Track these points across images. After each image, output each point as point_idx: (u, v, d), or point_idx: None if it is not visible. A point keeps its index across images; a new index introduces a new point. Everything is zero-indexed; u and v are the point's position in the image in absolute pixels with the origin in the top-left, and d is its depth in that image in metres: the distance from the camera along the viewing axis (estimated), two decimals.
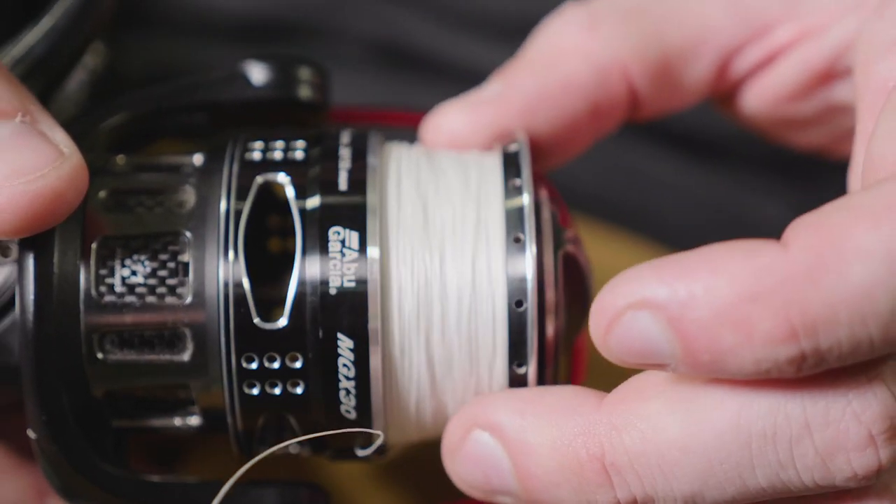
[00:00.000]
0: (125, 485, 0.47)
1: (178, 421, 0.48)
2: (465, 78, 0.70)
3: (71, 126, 0.47)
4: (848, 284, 0.40)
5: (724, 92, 0.53)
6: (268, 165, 0.47)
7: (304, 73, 0.50)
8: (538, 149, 0.51)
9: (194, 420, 0.48)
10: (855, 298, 0.40)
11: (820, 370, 0.41)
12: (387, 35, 0.70)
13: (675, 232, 0.69)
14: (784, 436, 0.42)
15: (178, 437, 0.49)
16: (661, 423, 0.43)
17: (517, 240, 0.46)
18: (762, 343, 0.40)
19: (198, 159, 0.48)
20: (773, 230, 0.71)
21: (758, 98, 0.52)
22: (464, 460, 0.46)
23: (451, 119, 0.51)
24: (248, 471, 0.49)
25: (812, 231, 0.41)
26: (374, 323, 0.45)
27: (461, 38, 0.70)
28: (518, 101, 0.50)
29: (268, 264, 0.51)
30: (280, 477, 0.48)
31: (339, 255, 0.45)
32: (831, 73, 0.51)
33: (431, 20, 0.70)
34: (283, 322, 0.45)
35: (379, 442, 0.47)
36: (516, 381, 0.46)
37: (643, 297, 0.41)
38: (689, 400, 0.43)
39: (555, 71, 0.50)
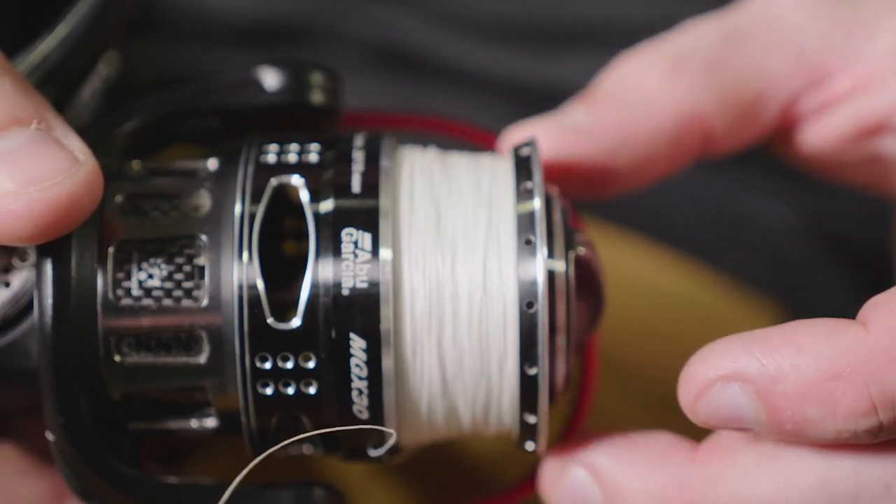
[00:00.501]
0: (142, 486, 0.47)
1: (194, 423, 0.48)
2: (466, 81, 0.71)
3: (86, 132, 0.47)
4: None
5: (782, 134, 0.55)
6: (282, 168, 0.47)
7: (317, 77, 0.51)
8: (610, 179, 0.53)
9: (210, 422, 0.48)
10: None
11: (892, 437, 0.45)
12: (389, 39, 0.71)
13: (678, 231, 0.70)
14: (867, 495, 0.45)
15: (194, 438, 0.49)
16: (752, 478, 0.46)
17: (528, 242, 0.46)
18: (843, 417, 0.44)
19: (213, 164, 0.49)
20: (774, 230, 0.72)
21: (811, 141, 0.54)
22: (562, 493, 0.49)
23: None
24: (263, 473, 0.50)
25: (890, 314, 0.45)
26: (386, 323, 0.45)
27: (462, 42, 0.70)
28: (606, 138, 0.52)
29: (283, 267, 0.51)
30: (293, 479, 0.48)
31: (351, 257, 0.46)
32: (882, 127, 0.53)
33: (433, 24, 0.70)
34: (296, 322, 0.45)
35: (392, 441, 0.47)
36: (527, 383, 0.46)
37: (734, 371, 0.45)
38: (776, 457, 0.46)
39: (642, 114, 0.52)
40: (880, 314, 0.45)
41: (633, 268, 0.68)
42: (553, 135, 0.52)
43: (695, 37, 0.54)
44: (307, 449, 0.49)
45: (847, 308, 0.71)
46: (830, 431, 0.45)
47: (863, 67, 0.53)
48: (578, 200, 0.53)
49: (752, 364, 0.45)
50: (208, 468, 0.56)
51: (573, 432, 0.54)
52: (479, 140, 0.54)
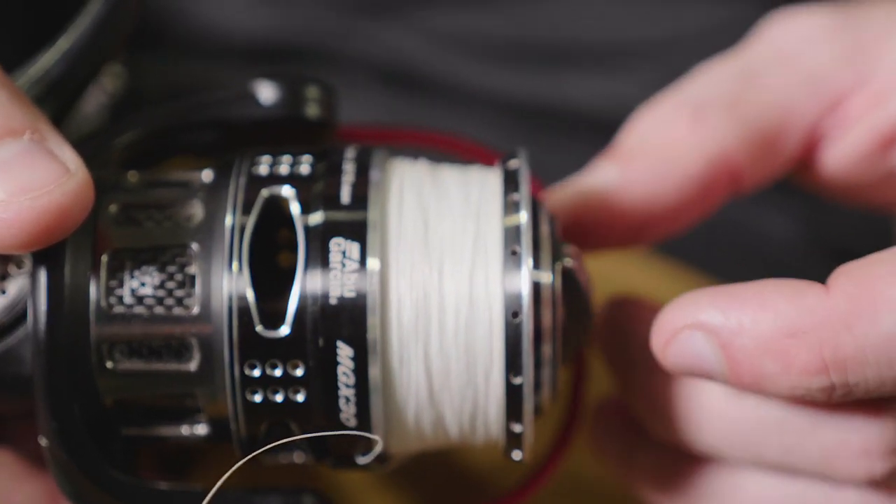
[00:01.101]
0: (133, 491, 0.47)
1: (185, 430, 0.48)
2: (469, 100, 0.71)
3: (84, 144, 0.48)
4: (878, 331, 0.45)
5: (805, 162, 0.55)
6: (274, 179, 0.48)
7: (312, 91, 0.51)
8: (645, 230, 0.53)
9: (201, 429, 0.48)
10: (883, 344, 0.45)
11: (848, 400, 0.46)
12: (393, 59, 0.71)
13: (679, 242, 0.70)
14: None
15: (185, 445, 0.49)
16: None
17: (514, 252, 0.46)
18: (797, 374, 0.46)
19: (207, 175, 0.49)
20: (777, 240, 0.71)
21: (832, 164, 0.55)
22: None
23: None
24: (258, 482, 0.50)
25: (853, 280, 0.46)
26: (372, 332, 0.45)
27: (465, 62, 0.71)
28: (638, 192, 0.53)
29: (277, 278, 0.51)
30: (283, 485, 0.48)
31: (339, 266, 0.46)
32: None
33: (436, 44, 0.71)
34: (285, 330, 0.46)
35: (378, 449, 0.47)
36: (512, 392, 0.46)
37: (699, 321, 0.47)
38: None
39: (670, 164, 0.53)
40: (843, 279, 0.46)
41: (634, 278, 0.68)
42: (585, 195, 0.53)
43: (710, 80, 0.54)
44: (298, 457, 0.49)
45: None
46: (785, 387, 0.46)
47: (875, 83, 0.54)
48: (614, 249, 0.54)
49: (716, 316, 0.47)
50: (206, 477, 0.56)
51: (566, 442, 0.54)
52: (472, 154, 0.54)
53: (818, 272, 0.70)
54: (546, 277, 0.46)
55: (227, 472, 0.50)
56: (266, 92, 0.50)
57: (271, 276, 0.49)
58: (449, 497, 0.61)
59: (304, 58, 0.71)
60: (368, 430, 0.46)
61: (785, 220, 0.71)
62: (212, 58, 0.72)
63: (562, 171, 0.67)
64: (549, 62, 0.72)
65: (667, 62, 0.69)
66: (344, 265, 0.46)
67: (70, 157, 0.45)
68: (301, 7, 0.73)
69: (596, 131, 0.70)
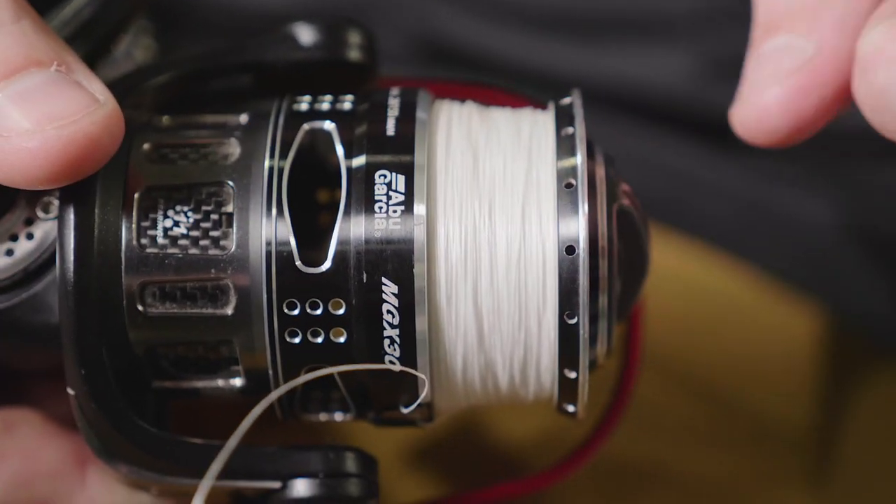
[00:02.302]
0: (164, 445, 0.44)
1: (220, 382, 0.45)
2: (506, 71, 0.68)
3: (116, 84, 0.45)
4: None
5: None
6: (314, 115, 0.45)
7: (354, 35, 0.48)
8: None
9: (237, 381, 0.45)
10: None
11: None
12: (428, 29, 0.69)
13: (716, 228, 0.67)
14: None
15: (220, 399, 0.46)
16: None
17: (569, 185, 0.43)
18: None
19: (244, 117, 0.46)
20: (811, 225, 0.68)
21: None
22: None
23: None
24: (288, 438, 0.46)
25: None
26: (419, 267, 0.42)
27: (501, 32, 0.68)
28: (838, 48, 0.46)
29: (318, 235, 0.48)
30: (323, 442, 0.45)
31: (385, 200, 0.43)
32: None
33: (472, 14, 0.68)
34: (326, 265, 0.42)
35: (424, 393, 0.43)
36: (567, 333, 0.43)
37: None
38: None
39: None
40: None
41: (667, 262, 0.65)
42: (797, 81, 0.46)
43: None
44: (339, 416, 0.46)
45: (892, 311, 0.68)
46: None
47: None
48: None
49: None
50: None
51: (613, 421, 0.51)
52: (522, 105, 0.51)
53: (852, 257, 0.68)
54: (602, 211, 0.43)
55: (265, 432, 0.47)
56: (305, 34, 0.47)
57: (312, 230, 0.46)
58: (482, 472, 0.58)
59: (352, 19, 0.69)
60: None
61: (826, 206, 0.68)
62: (240, 34, 0.69)
63: (598, 145, 0.64)
64: (588, 33, 0.69)
65: (709, 35, 0.67)
66: (389, 198, 0.43)
67: (99, 89, 0.42)
68: None
69: (635, 106, 0.67)
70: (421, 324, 0.42)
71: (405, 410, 0.44)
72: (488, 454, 0.59)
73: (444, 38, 0.68)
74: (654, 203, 0.66)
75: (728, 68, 0.67)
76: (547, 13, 0.68)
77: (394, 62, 0.67)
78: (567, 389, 0.44)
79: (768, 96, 0.46)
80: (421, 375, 0.43)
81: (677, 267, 0.66)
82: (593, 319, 0.43)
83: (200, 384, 0.45)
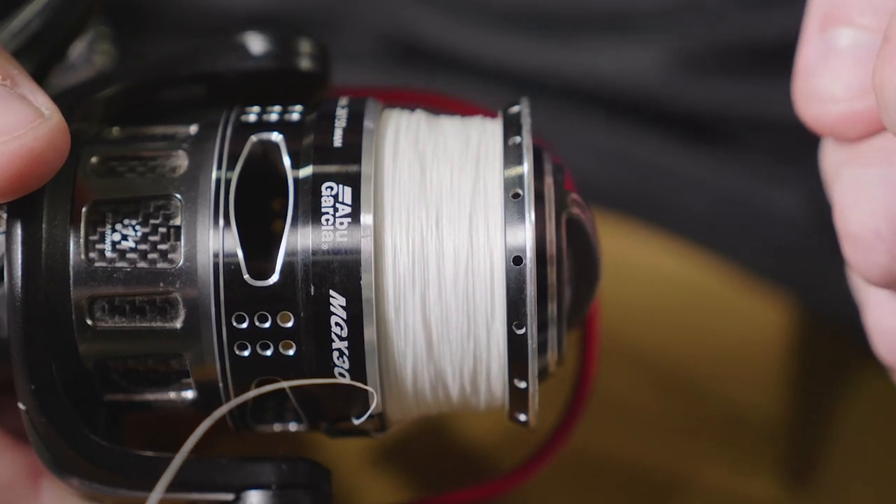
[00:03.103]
0: (116, 458, 0.43)
1: (172, 394, 0.44)
2: (477, 70, 0.67)
3: (64, 96, 0.44)
4: None
5: None
6: (262, 126, 0.44)
7: (305, 44, 0.47)
8: None
9: (189, 394, 0.44)
10: None
11: None
12: (395, 29, 0.68)
13: (685, 221, 0.66)
14: None
15: (173, 413, 0.45)
16: None
17: (516, 196, 0.42)
18: None
19: (193, 128, 0.45)
20: (783, 218, 0.68)
21: None
22: None
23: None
24: (245, 448, 0.46)
25: None
26: (367, 279, 0.41)
27: (473, 31, 0.67)
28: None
29: (270, 244, 0.47)
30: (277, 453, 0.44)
31: (331, 212, 0.42)
32: None
33: (443, 13, 0.67)
34: (273, 278, 0.42)
35: (374, 404, 0.43)
36: (515, 343, 0.42)
37: None
38: None
39: None
40: None
41: (640, 255, 0.64)
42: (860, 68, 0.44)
43: None
44: (293, 426, 0.45)
45: None
46: None
47: None
48: None
49: None
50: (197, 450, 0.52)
51: (574, 416, 0.50)
52: (472, 113, 0.50)
53: (823, 250, 0.67)
54: (550, 224, 0.42)
55: (217, 442, 0.46)
56: (256, 44, 0.47)
57: (263, 239, 0.45)
58: (447, 476, 0.57)
59: (303, 29, 0.68)
60: (364, 384, 0.42)
61: (790, 197, 0.67)
62: (204, 33, 0.68)
63: (571, 142, 0.64)
64: (561, 31, 0.68)
65: (680, 30, 0.66)
66: (336, 210, 0.42)
67: (44, 102, 0.42)
68: None
69: (607, 101, 0.66)
70: (369, 335, 0.42)
71: (357, 422, 0.44)
72: (454, 452, 0.58)
73: (414, 37, 0.68)
74: (626, 197, 0.66)
75: (699, 63, 0.66)
76: (518, 11, 0.68)
77: (363, 62, 0.67)
78: (518, 399, 0.43)
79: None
80: (370, 389, 0.42)
81: (649, 260, 0.65)
82: (542, 328, 0.42)
83: (152, 397, 0.44)
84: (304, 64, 0.47)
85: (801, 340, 0.65)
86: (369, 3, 0.68)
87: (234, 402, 0.42)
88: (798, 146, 0.65)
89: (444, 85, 0.65)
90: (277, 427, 0.45)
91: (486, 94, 0.67)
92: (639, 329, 0.63)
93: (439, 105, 0.50)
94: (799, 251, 0.67)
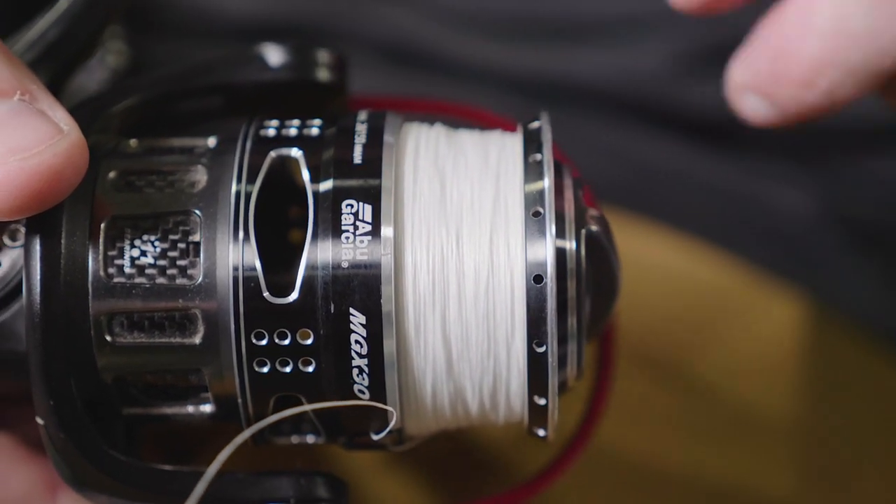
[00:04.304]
0: (134, 473, 0.43)
1: (190, 408, 0.44)
2: (476, 78, 0.67)
3: (81, 108, 0.43)
4: None
5: None
6: (281, 141, 0.43)
7: (323, 56, 0.46)
8: None
9: (207, 407, 0.44)
10: None
11: None
12: (397, 37, 0.67)
13: (695, 220, 0.66)
14: None
15: (190, 425, 0.45)
16: None
17: (536, 214, 0.41)
18: None
19: (212, 141, 0.44)
20: (792, 215, 0.67)
21: None
22: None
23: None
24: (263, 461, 0.45)
25: None
26: (387, 298, 0.41)
27: (471, 39, 0.67)
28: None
29: (287, 253, 0.46)
30: (294, 467, 0.44)
31: (351, 229, 0.41)
32: None
33: (441, 21, 0.67)
34: (293, 296, 0.41)
35: (394, 421, 0.42)
36: (535, 361, 0.41)
37: None
38: None
39: None
40: None
41: (651, 254, 0.64)
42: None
43: None
44: (310, 438, 0.45)
45: (873, 296, 0.66)
46: None
47: None
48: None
49: None
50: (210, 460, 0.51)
51: (592, 422, 0.50)
52: (489, 123, 0.49)
53: (832, 245, 0.67)
54: (570, 242, 0.42)
55: (235, 454, 0.45)
56: (274, 55, 0.46)
57: (281, 250, 0.44)
58: (466, 482, 0.57)
59: (305, 36, 0.67)
60: (383, 402, 0.42)
61: (798, 194, 0.67)
62: (211, 39, 0.68)
63: (572, 147, 0.63)
64: (556, 37, 0.68)
65: (677, 35, 0.65)
66: (356, 227, 0.41)
67: (63, 118, 0.41)
68: None
69: (606, 106, 0.65)
70: (389, 353, 0.41)
71: (375, 437, 0.43)
72: (469, 456, 0.57)
73: (413, 46, 0.67)
74: (635, 196, 0.65)
75: (702, 63, 0.66)
76: (515, 16, 0.67)
77: (361, 68, 0.66)
78: (537, 415, 0.43)
79: None
80: (389, 409, 0.42)
81: (659, 259, 0.64)
82: (561, 343, 0.42)
83: (170, 410, 0.44)
84: (322, 75, 0.46)
85: (814, 337, 0.65)
86: (369, 11, 0.67)
87: (261, 424, 0.42)
88: (804, 143, 0.65)
89: (443, 91, 0.65)
90: (295, 439, 0.45)
91: (486, 100, 0.66)
92: (650, 327, 0.63)
93: (456, 115, 0.50)
94: (810, 247, 0.67)
